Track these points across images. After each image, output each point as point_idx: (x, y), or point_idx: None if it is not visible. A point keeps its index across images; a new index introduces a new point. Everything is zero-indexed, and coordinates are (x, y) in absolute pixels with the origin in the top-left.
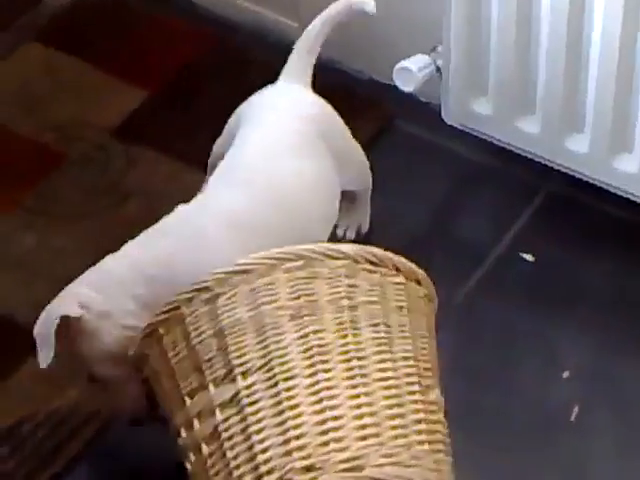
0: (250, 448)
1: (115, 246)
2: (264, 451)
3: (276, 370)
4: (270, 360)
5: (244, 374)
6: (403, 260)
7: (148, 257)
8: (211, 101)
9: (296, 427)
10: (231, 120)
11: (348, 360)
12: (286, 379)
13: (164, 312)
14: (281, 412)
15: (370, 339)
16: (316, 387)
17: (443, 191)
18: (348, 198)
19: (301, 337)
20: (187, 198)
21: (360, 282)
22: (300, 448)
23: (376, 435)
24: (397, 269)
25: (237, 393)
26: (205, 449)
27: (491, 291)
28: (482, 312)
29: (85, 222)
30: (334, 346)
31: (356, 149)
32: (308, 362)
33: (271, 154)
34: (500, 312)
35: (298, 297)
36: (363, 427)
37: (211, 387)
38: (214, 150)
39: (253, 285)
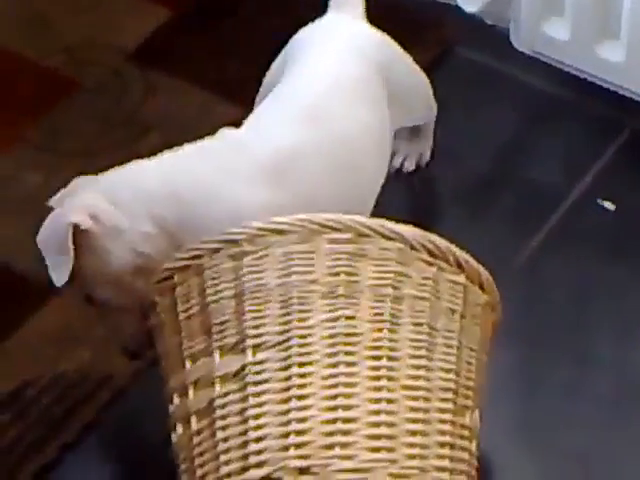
0: (244, 433)
1: None
2: (258, 440)
3: (293, 351)
4: (289, 338)
5: (256, 348)
6: (469, 258)
7: (186, 178)
8: (244, 24)
9: (301, 420)
10: (278, 60)
11: (377, 358)
12: (302, 364)
13: (184, 258)
14: (287, 400)
15: (408, 339)
16: (333, 380)
17: (511, 128)
18: (408, 128)
19: (330, 320)
20: (214, 132)
21: (412, 272)
22: (299, 445)
23: (389, 450)
24: (459, 266)
25: (243, 367)
26: (194, 423)
27: (564, 244)
28: (553, 268)
29: (98, 159)
30: (364, 338)
31: (421, 82)
32: (330, 350)
33: (321, 98)
34: (574, 268)
35: (337, 274)
36: (377, 437)
37: (216, 354)
38: (261, 90)
39: (288, 249)
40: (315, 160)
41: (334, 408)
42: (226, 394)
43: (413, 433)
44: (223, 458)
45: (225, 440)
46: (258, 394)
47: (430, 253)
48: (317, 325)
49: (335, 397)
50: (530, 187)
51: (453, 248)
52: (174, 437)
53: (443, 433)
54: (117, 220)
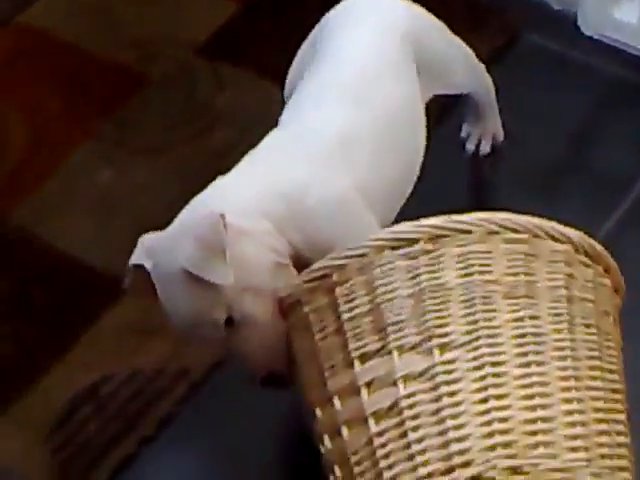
0: (443, 433)
1: (202, 180)
2: (461, 440)
3: (483, 350)
4: (477, 338)
5: (443, 347)
6: (613, 263)
7: (279, 172)
8: (311, 14)
9: (502, 420)
10: (310, 38)
11: (563, 358)
12: (494, 364)
13: (343, 257)
14: (485, 400)
15: (583, 340)
16: (528, 380)
17: (580, 113)
18: (471, 109)
19: (514, 320)
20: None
21: (577, 274)
22: (506, 445)
23: (585, 449)
24: (607, 270)
25: (432, 367)
26: (373, 425)
27: (636, 230)
28: (627, 252)
29: (168, 153)
30: (549, 339)
31: (456, 50)
32: (520, 350)
33: (359, 79)
34: None
35: (516, 274)
36: (574, 437)
37: (395, 354)
38: (292, 68)
39: (466, 249)
40: (366, 142)
41: (533, 408)
42: (413, 394)
43: (601, 433)
44: (420, 459)
45: (420, 441)
46: (453, 393)
47: (588, 255)
48: (503, 325)
49: (532, 397)
50: (600, 172)
51: (606, 253)
52: (333, 441)
53: (620, 434)
54: (238, 221)
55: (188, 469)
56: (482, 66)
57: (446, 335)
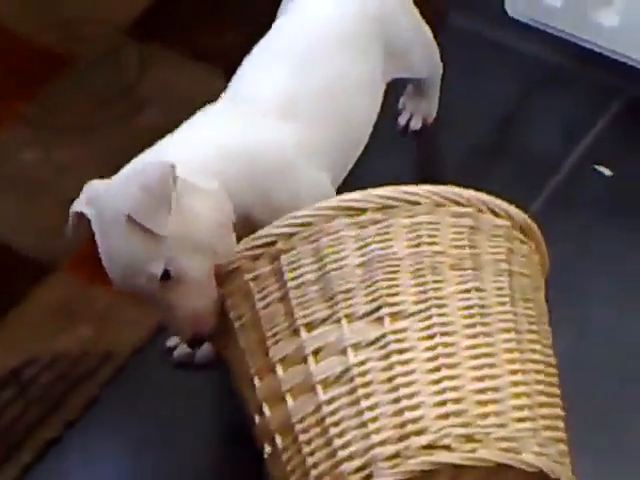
0: (396, 401)
1: (128, 161)
2: (414, 408)
3: (434, 320)
4: (428, 308)
5: (393, 316)
6: (542, 240)
7: (225, 135)
8: None
9: (453, 389)
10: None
11: (507, 330)
12: (444, 334)
13: (289, 225)
14: (437, 368)
15: (523, 314)
16: (476, 351)
17: (506, 96)
18: (414, 84)
19: (462, 291)
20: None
21: (515, 249)
22: (458, 413)
23: (531, 420)
24: (536, 247)
25: (383, 336)
26: (321, 392)
27: (562, 209)
28: (551, 234)
29: (94, 134)
30: (494, 311)
31: (422, 36)
32: (468, 321)
33: (313, 47)
34: (572, 233)
35: (462, 247)
36: (521, 408)
37: (344, 322)
38: None
39: (416, 220)
40: (312, 104)
41: (482, 378)
42: (364, 362)
43: (542, 405)
44: (372, 426)
45: (372, 408)
46: (405, 362)
47: (523, 232)
48: (451, 296)
49: (482, 367)
50: (527, 154)
51: (537, 230)
52: (274, 409)
53: (557, 406)
54: (190, 178)
55: (113, 452)
56: (437, 49)
57: (397, 304)
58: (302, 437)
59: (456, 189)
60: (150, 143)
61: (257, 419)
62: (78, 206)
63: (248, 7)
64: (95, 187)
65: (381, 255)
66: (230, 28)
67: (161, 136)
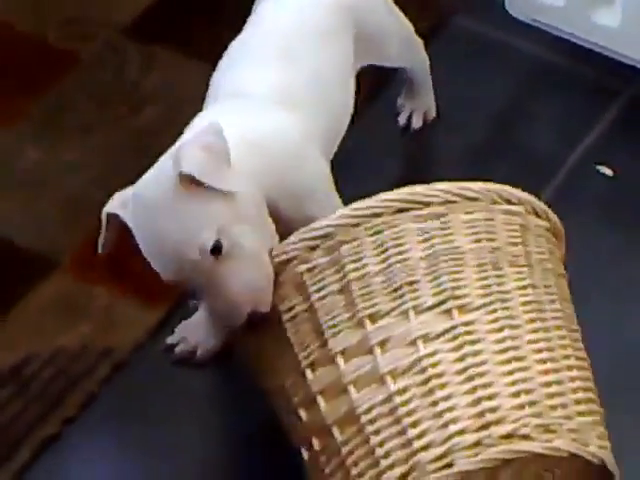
0: (472, 391)
1: (130, 160)
2: (491, 397)
3: (499, 314)
4: (492, 302)
5: (461, 309)
6: (560, 226)
7: (237, 125)
8: None
9: (525, 380)
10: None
11: (560, 327)
12: (512, 327)
13: (349, 216)
14: (509, 361)
15: (569, 314)
16: (539, 345)
17: (507, 96)
18: (407, 81)
19: (520, 288)
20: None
21: (555, 250)
22: (532, 404)
23: (589, 414)
24: (555, 234)
25: (453, 327)
26: (391, 383)
27: (562, 210)
28: None
29: (97, 133)
30: (548, 308)
31: (397, 21)
32: (528, 316)
33: (290, 38)
34: (572, 234)
35: (515, 244)
36: (579, 402)
37: (411, 314)
38: None
39: (474, 216)
40: (303, 95)
41: (547, 371)
42: (435, 353)
43: (592, 401)
44: (449, 416)
45: (447, 398)
46: (476, 353)
47: (555, 234)
48: (512, 291)
49: (545, 361)
50: (527, 154)
51: (557, 218)
52: (332, 402)
53: (599, 404)
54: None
55: (112, 450)
56: (420, 42)
57: (463, 297)
58: (369, 428)
59: (509, 188)
60: (152, 141)
61: (304, 414)
62: (110, 208)
63: (247, 7)
64: (124, 192)
65: (445, 249)
66: (231, 28)
67: (163, 135)
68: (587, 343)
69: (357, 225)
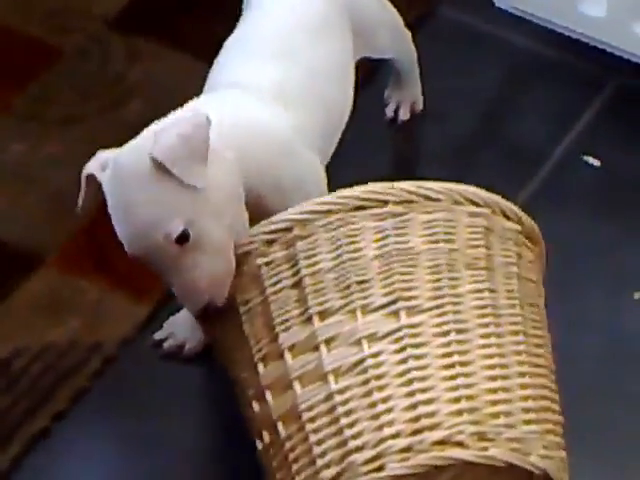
0: (411, 395)
1: None
2: (428, 402)
3: (449, 317)
4: (443, 304)
5: (409, 310)
6: (543, 246)
7: (228, 112)
8: None
9: (468, 387)
10: None
11: (516, 333)
12: (459, 331)
13: (307, 212)
14: (452, 365)
15: (530, 319)
16: (489, 350)
17: (494, 86)
18: (394, 75)
19: (475, 291)
20: (198, 96)
21: (523, 253)
22: (471, 411)
23: (538, 423)
24: (539, 255)
25: (398, 329)
26: (333, 382)
27: (549, 201)
28: (539, 226)
29: (81, 125)
30: (506, 313)
31: (388, 12)
32: (481, 321)
33: (288, 34)
34: (560, 226)
35: (477, 246)
36: (528, 410)
37: (358, 313)
38: None
39: (433, 216)
40: (299, 91)
41: (494, 377)
42: (378, 354)
43: (546, 409)
44: (385, 418)
45: (385, 400)
46: (419, 357)
47: (529, 237)
48: (466, 294)
49: (493, 367)
50: (514, 145)
51: (541, 237)
52: (279, 397)
53: (557, 412)
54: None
55: (102, 444)
56: (408, 33)
57: (413, 298)
58: (309, 426)
59: (473, 188)
60: (136, 134)
61: (256, 407)
62: (89, 169)
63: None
64: (106, 154)
65: (398, 249)
66: (215, 20)
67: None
68: (579, 335)
69: (313, 220)
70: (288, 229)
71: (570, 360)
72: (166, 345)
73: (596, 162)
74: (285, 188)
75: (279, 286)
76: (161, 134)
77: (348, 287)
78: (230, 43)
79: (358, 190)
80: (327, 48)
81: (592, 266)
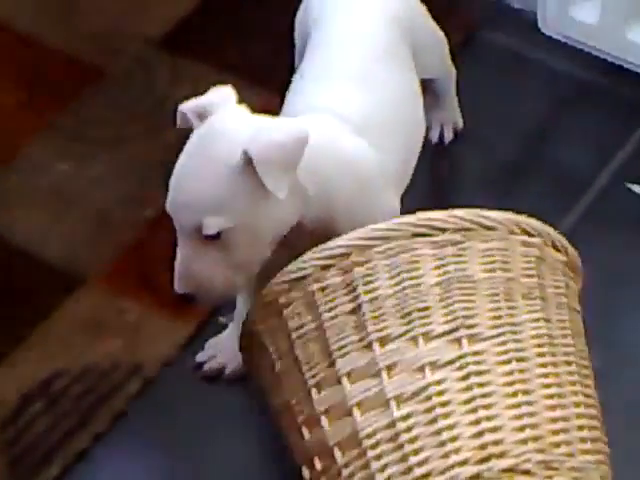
0: (475, 423)
1: (159, 174)
2: (494, 430)
3: (510, 346)
4: (503, 333)
5: (471, 338)
6: (577, 260)
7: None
8: (270, 9)
9: (531, 415)
10: (299, 15)
11: (570, 363)
12: (519, 359)
13: (367, 238)
14: (515, 393)
15: (581, 351)
16: (547, 380)
17: (538, 113)
18: (432, 95)
19: (532, 320)
20: None
21: (571, 284)
22: (535, 439)
23: (593, 453)
24: (572, 268)
25: (461, 357)
26: (395, 408)
27: (593, 229)
28: (583, 253)
29: (125, 147)
30: (560, 342)
31: (439, 39)
32: (539, 350)
33: (365, 64)
34: (604, 253)
35: (531, 276)
36: (584, 440)
37: (420, 341)
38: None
39: (490, 245)
40: (382, 121)
41: (554, 407)
42: (442, 381)
43: (598, 440)
44: (451, 446)
45: (451, 427)
46: (483, 384)
47: (572, 269)
48: (523, 323)
49: (552, 396)
50: (558, 172)
51: (582, 268)
52: (339, 422)
53: (606, 443)
54: None
55: (141, 466)
56: (449, 52)
57: (474, 326)
58: (371, 452)
59: (528, 219)
60: (179, 155)
61: (307, 433)
62: (186, 108)
63: (274, 22)
64: (205, 103)
65: (458, 276)
66: (257, 41)
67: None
68: (620, 364)
69: (371, 247)
70: (345, 255)
71: (609, 387)
72: (207, 367)
73: None
74: (357, 223)
75: (335, 312)
76: (261, 133)
77: (409, 314)
78: (305, 70)
79: (415, 217)
80: (399, 76)
81: (635, 294)
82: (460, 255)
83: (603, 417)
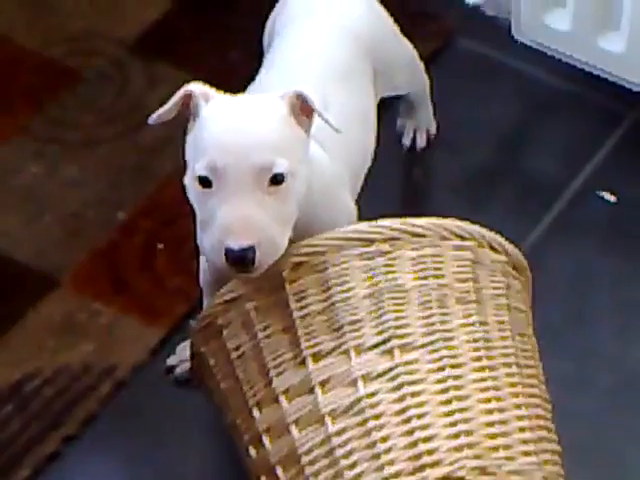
0: (410, 433)
1: (132, 177)
2: (428, 439)
3: (442, 353)
4: (435, 340)
5: (402, 348)
6: (530, 276)
7: None
8: (244, 12)
9: (465, 422)
10: (268, 23)
11: (509, 365)
12: (453, 366)
13: (301, 254)
14: (449, 401)
15: (521, 349)
16: (483, 384)
17: (511, 119)
18: (405, 102)
19: (467, 325)
20: None
21: (511, 284)
22: (471, 446)
23: (535, 454)
24: (525, 285)
25: (393, 367)
26: (330, 423)
27: (565, 235)
28: (554, 260)
29: (99, 149)
30: (497, 345)
31: (406, 49)
32: (474, 354)
33: (316, 81)
34: (575, 260)
35: (465, 280)
36: (526, 442)
37: (352, 353)
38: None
39: (421, 252)
40: (333, 139)
41: (490, 411)
42: (375, 393)
43: (543, 439)
44: (386, 458)
45: (385, 439)
46: (416, 394)
47: (515, 268)
48: (457, 329)
49: (489, 400)
50: (530, 178)
51: (526, 265)
52: (277, 441)
53: (554, 441)
54: None
55: (111, 469)
56: (421, 65)
57: (405, 336)
58: (309, 469)
59: (459, 222)
60: (154, 159)
61: (253, 452)
62: (192, 89)
63: (251, 26)
64: (208, 88)
65: (388, 287)
66: (234, 46)
67: (165, 152)
68: (589, 368)
69: (301, 264)
70: (277, 273)
71: (580, 393)
72: (178, 371)
73: (612, 198)
74: (316, 228)
75: (270, 331)
76: (301, 87)
77: (340, 328)
78: (259, 87)
79: (342, 231)
80: (354, 94)
81: (604, 299)
82: (390, 265)
83: (575, 423)
